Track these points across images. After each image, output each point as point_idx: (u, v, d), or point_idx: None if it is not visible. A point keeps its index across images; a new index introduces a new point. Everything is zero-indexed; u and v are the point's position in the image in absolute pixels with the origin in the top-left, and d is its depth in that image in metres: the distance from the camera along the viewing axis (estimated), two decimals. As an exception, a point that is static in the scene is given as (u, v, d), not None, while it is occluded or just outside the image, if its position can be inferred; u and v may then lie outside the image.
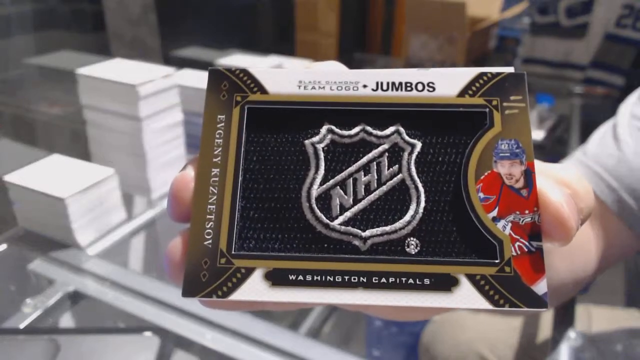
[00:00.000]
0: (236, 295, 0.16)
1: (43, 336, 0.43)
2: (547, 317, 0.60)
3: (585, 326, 0.55)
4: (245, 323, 0.49)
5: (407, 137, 0.18)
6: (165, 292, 0.53)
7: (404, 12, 1.42)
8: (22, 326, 0.49)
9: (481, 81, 0.18)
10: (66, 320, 0.54)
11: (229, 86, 0.18)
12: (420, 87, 0.18)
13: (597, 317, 0.56)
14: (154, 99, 0.67)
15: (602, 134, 0.45)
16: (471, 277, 0.16)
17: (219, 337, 0.48)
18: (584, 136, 1.00)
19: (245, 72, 0.18)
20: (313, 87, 0.18)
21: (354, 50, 1.75)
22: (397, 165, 0.18)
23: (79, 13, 1.38)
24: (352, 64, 1.54)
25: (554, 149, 1.00)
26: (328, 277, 0.16)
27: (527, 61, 1.37)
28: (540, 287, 0.16)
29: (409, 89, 0.18)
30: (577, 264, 0.40)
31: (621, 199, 0.40)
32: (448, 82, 0.18)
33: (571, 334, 0.50)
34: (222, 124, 0.18)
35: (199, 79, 0.80)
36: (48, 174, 0.60)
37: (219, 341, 0.47)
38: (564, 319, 0.51)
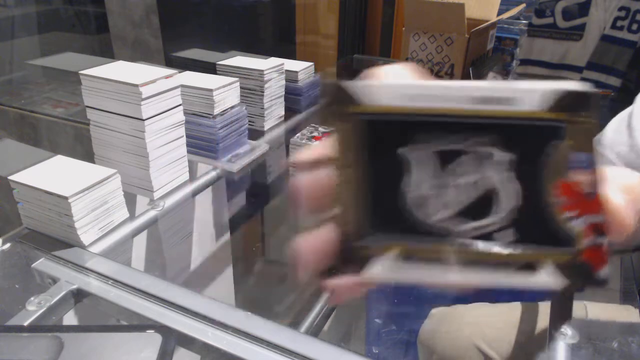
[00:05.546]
0: (370, 274, 0.20)
1: (47, 333, 0.43)
2: (544, 313, 0.60)
3: (581, 323, 0.55)
4: (246, 321, 0.49)
5: (495, 147, 0.20)
6: (168, 290, 0.53)
7: (403, 14, 1.43)
8: (26, 324, 0.49)
9: (559, 97, 0.20)
10: (70, 318, 0.54)
11: (343, 99, 0.21)
12: (505, 101, 0.20)
13: (593, 314, 0.57)
14: (157, 99, 0.67)
15: (617, 123, 0.46)
16: (550, 264, 0.20)
17: (220, 335, 0.48)
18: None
19: (358, 85, 0.21)
20: (418, 99, 0.21)
21: (354, 52, 1.76)
22: (487, 171, 0.21)
23: (83, 15, 1.39)
24: (352, 65, 1.54)
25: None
26: (437, 262, 0.20)
27: (524, 62, 1.37)
28: (603, 273, 0.20)
29: (497, 102, 0.20)
30: None
31: None
32: (530, 97, 0.20)
33: (567, 330, 0.50)
34: (338, 134, 0.21)
35: (200, 80, 0.81)
36: (51, 174, 0.60)
37: (221, 339, 0.48)
38: (561, 315, 0.52)
